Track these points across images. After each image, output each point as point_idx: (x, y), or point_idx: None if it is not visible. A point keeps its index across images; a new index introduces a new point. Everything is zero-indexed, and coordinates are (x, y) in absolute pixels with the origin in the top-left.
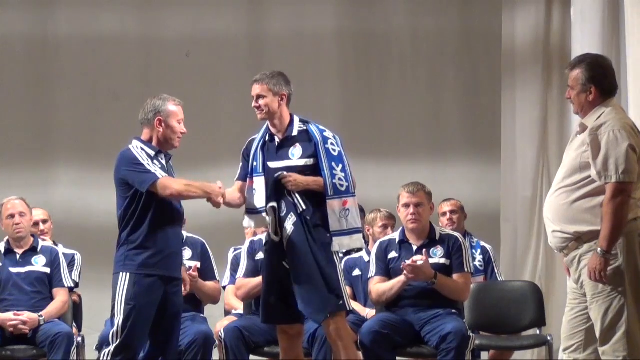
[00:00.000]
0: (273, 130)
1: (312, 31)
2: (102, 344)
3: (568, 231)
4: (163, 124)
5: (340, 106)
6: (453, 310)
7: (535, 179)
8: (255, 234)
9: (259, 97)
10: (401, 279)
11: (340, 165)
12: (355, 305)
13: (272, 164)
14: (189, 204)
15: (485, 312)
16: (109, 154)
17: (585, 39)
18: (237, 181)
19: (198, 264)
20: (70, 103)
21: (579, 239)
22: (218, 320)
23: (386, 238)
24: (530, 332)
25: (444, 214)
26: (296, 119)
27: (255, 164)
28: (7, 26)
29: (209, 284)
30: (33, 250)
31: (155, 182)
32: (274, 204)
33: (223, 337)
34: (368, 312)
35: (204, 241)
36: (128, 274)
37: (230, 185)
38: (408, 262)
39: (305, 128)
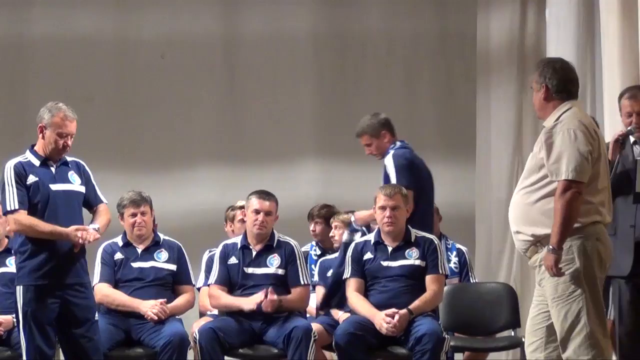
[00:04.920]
0: None
1: (288, 33)
2: None
3: (526, 233)
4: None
5: (315, 107)
6: (428, 312)
7: (510, 180)
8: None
9: None
10: (375, 322)
11: None
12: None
13: None
14: (159, 207)
15: (460, 314)
16: (83, 155)
17: (560, 41)
18: None
19: (174, 267)
20: (43, 104)
21: (538, 242)
22: (193, 321)
23: (362, 239)
24: (505, 333)
25: None
26: None
27: None
28: None
29: (181, 301)
30: None
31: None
32: None
33: (198, 338)
34: (340, 315)
35: (180, 245)
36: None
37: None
38: (389, 325)
39: None
